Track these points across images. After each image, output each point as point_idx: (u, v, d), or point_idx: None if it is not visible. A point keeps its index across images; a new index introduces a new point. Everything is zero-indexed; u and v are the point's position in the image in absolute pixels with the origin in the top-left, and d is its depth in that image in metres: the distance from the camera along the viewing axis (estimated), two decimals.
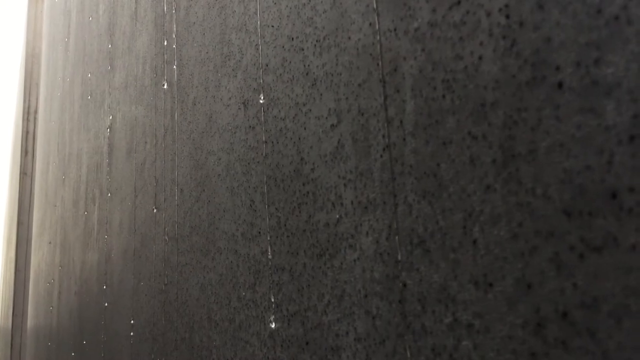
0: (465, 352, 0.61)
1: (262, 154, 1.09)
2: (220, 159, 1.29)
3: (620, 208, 0.47)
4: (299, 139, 0.96)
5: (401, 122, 0.72)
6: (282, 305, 0.98)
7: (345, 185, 0.83)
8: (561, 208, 0.52)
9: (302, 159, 0.95)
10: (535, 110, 0.55)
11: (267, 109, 1.08)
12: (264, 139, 1.09)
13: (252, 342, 1.08)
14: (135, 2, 2.17)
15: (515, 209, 0.56)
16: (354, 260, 0.80)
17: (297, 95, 0.97)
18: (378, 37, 0.78)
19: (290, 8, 1.01)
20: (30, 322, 5.56)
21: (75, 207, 3.26)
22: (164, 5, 1.80)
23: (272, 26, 1.07)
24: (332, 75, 0.87)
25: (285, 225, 0.99)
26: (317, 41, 0.92)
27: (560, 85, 0.52)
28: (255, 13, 1.14)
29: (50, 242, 4.25)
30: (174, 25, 1.68)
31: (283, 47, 1.03)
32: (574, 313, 0.50)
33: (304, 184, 0.93)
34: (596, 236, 0.49)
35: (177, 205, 1.57)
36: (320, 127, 0.90)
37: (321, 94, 0.90)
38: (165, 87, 1.74)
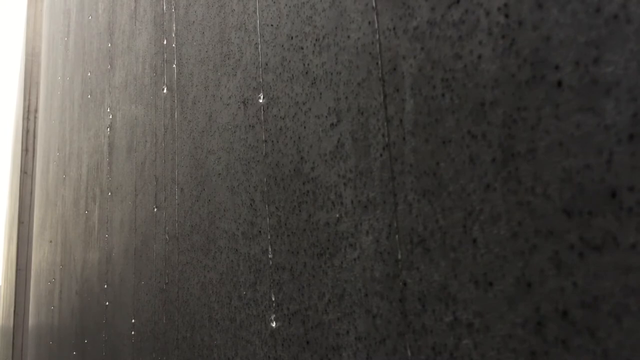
0: (465, 351, 0.61)
1: (262, 153, 1.09)
2: (220, 158, 1.29)
3: (620, 207, 0.47)
4: (299, 138, 0.96)
5: (401, 121, 0.72)
6: (282, 305, 0.98)
7: (345, 184, 0.83)
8: (561, 207, 0.52)
9: (302, 158, 0.95)
10: (535, 109, 0.55)
11: (267, 108, 1.08)
12: (263, 138, 1.09)
13: (253, 341, 1.09)
14: (135, 1, 2.17)
15: (515, 208, 0.56)
16: (354, 260, 0.80)
17: (296, 94, 0.97)
18: (377, 36, 0.78)
19: (290, 7, 1.00)
20: (31, 321, 5.57)
21: (75, 206, 3.26)
22: (163, 4, 1.80)
23: (272, 25, 1.07)
24: (332, 74, 0.87)
25: (285, 224, 0.99)
26: (316, 40, 0.92)
27: (559, 84, 0.52)
28: (255, 12, 1.14)
29: (51, 241, 4.25)
30: (174, 24, 1.68)
31: (282, 46, 1.02)
32: (574, 312, 0.50)
33: (304, 183, 0.93)
34: (596, 235, 0.49)
35: (178, 204, 1.57)
36: (320, 126, 0.90)
37: (321, 93, 0.90)
38: (164, 86, 1.74)
